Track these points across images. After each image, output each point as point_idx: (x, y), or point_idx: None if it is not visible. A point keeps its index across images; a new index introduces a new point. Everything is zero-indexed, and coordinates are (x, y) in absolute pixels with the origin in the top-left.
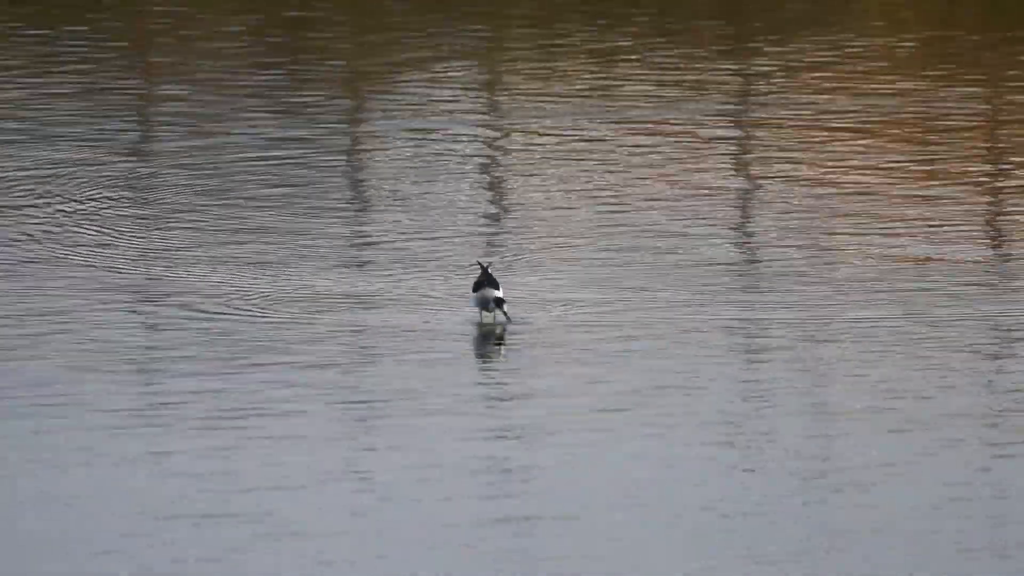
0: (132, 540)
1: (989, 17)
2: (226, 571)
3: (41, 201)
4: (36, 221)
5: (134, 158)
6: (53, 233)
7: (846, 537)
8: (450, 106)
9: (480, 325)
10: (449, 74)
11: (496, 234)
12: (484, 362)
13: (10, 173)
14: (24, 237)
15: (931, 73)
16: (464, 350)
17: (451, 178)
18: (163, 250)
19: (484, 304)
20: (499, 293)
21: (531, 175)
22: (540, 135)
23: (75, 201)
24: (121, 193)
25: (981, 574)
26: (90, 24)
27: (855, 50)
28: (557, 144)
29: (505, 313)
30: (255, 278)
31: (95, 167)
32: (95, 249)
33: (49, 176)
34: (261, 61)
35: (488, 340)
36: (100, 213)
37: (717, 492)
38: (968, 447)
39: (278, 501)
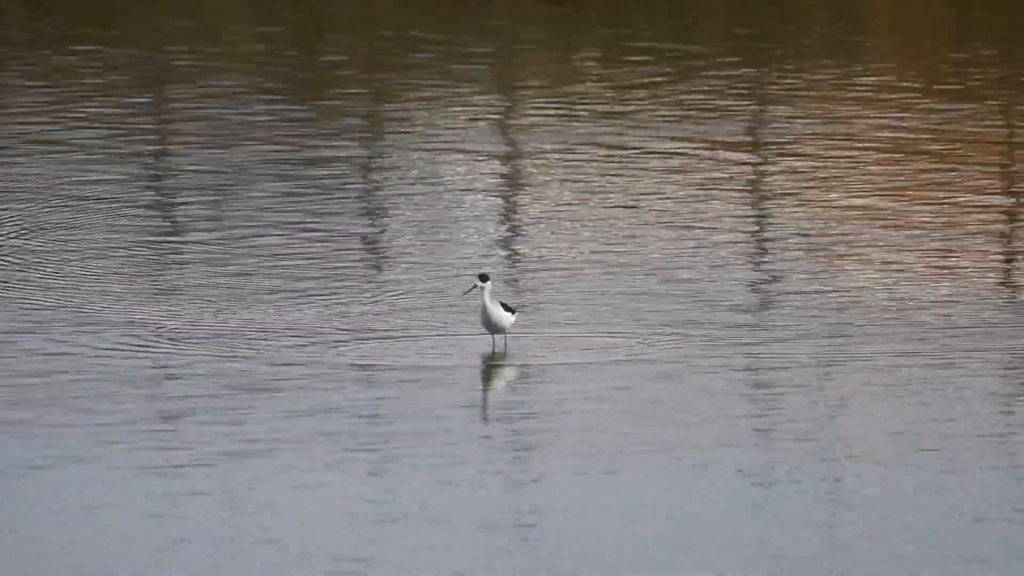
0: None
1: (1004, 34)
2: None
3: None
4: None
5: (147, 178)
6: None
7: (854, 555)
8: (460, 132)
9: (492, 355)
10: (460, 98)
11: (504, 262)
12: (490, 385)
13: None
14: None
15: (946, 94)
16: (470, 374)
17: (462, 205)
18: (168, 276)
19: (490, 324)
20: (511, 317)
21: (541, 201)
22: (551, 162)
23: (89, 228)
24: (131, 220)
25: None
26: (106, 41)
27: (870, 73)
28: (568, 169)
29: (475, 287)
30: (263, 303)
31: (110, 194)
32: (103, 277)
33: (70, 202)
34: (273, 84)
35: (493, 361)
36: (113, 244)
37: (726, 512)
38: (981, 475)
39: (288, 522)
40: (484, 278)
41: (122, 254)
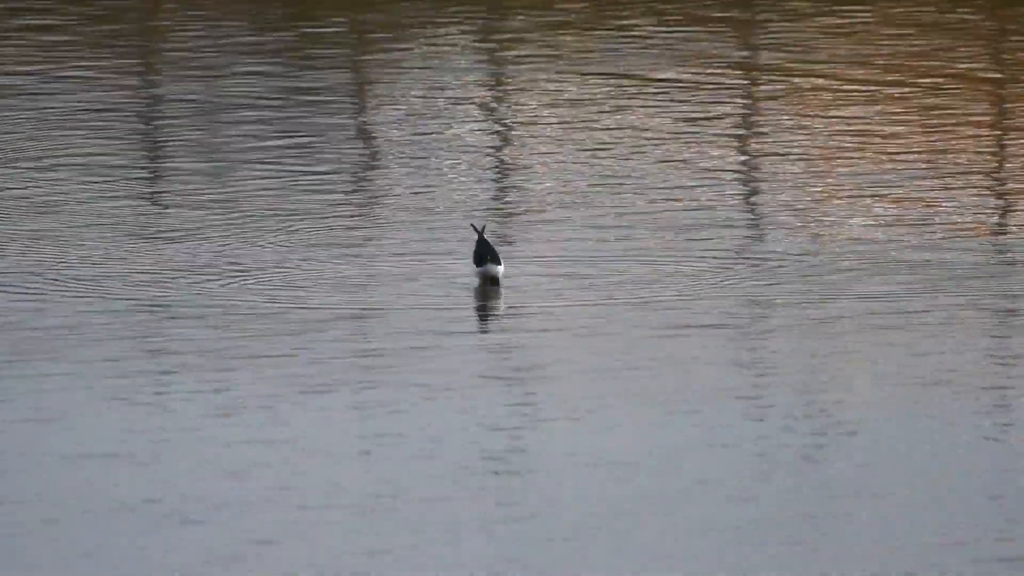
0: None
1: None
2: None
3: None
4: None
5: (136, 142)
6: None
7: (847, 495)
8: (446, 64)
9: (482, 289)
10: (447, 31)
11: (498, 216)
12: (484, 344)
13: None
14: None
15: (934, 28)
16: (463, 332)
17: (453, 159)
18: (165, 233)
19: (485, 278)
20: (501, 269)
21: (533, 156)
22: (543, 111)
23: (79, 200)
24: (123, 179)
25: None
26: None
27: (862, 15)
28: (558, 124)
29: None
30: (256, 259)
31: (97, 154)
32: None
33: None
34: (264, 39)
35: (488, 315)
36: (92, 177)
37: (718, 472)
38: (972, 425)
39: (280, 481)
40: (498, 261)
41: (102, 189)
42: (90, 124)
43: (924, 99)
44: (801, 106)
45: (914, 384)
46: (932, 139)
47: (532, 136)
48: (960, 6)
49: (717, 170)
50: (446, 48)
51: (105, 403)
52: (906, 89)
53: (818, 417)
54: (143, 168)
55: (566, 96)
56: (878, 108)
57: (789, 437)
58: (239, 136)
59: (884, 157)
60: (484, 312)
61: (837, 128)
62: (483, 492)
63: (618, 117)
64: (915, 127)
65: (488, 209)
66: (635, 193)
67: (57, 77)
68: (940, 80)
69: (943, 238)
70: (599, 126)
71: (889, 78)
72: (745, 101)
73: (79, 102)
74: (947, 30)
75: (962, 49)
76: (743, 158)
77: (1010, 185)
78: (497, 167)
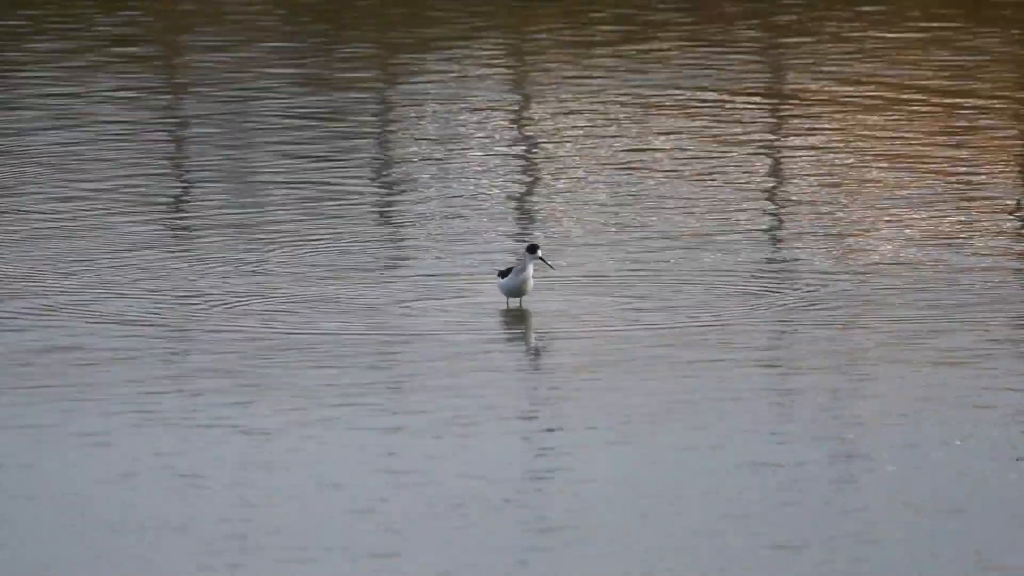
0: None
1: None
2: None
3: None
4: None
5: (160, 165)
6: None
7: (871, 523)
8: (472, 82)
9: (507, 311)
10: (472, 49)
11: (523, 239)
12: (511, 369)
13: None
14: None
15: (961, 47)
16: (489, 357)
17: (478, 181)
18: (188, 255)
19: (516, 287)
20: (530, 281)
21: (558, 176)
22: (567, 127)
23: (107, 214)
24: (145, 203)
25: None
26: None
27: (884, 22)
28: (583, 145)
29: (545, 261)
30: (282, 278)
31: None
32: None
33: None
34: (291, 45)
35: (518, 343)
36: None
37: (748, 498)
38: (1001, 449)
39: (309, 508)
40: (533, 249)
41: (125, 213)
42: (114, 147)
43: (957, 121)
44: (830, 126)
45: (942, 409)
46: (964, 161)
47: (557, 156)
48: (993, 29)
49: (744, 192)
50: (472, 68)
51: (131, 428)
52: (938, 111)
53: (846, 442)
54: (167, 191)
55: (592, 116)
56: (908, 129)
57: (817, 462)
58: (264, 159)
59: (914, 180)
60: (510, 336)
61: (866, 150)
62: (515, 522)
63: (645, 137)
64: (947, 149)
65: (513, 231)
66: (663, 216)
67: (83, 100)
68: (973, 102)
69: (972, 263)
70: (625, 147)
71: (921, 99)
72: (773, 121)
73: (104, 124)
74: (981, 52)
75: (995, 72)
76: (771, 179)
77: None
78: (523, 190)
